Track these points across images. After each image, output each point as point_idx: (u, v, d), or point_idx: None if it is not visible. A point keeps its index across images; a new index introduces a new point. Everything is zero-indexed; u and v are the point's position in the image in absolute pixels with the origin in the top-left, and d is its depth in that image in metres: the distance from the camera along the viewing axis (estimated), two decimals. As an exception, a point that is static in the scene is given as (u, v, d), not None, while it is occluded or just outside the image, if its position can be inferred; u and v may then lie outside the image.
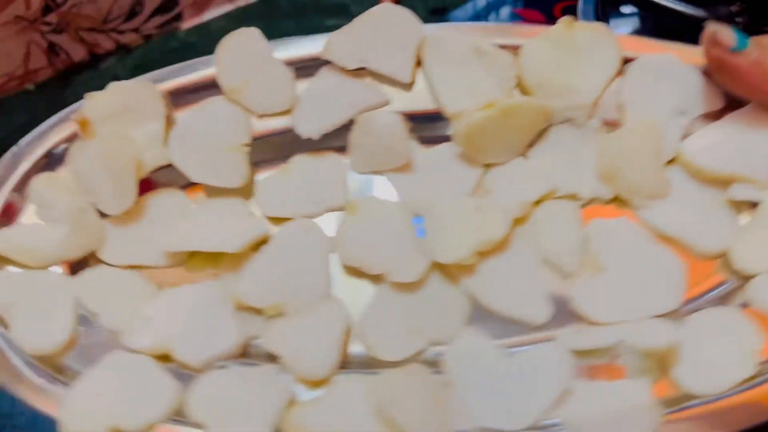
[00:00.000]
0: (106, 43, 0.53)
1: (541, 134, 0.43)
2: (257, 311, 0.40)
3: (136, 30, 0.54)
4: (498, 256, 0.40)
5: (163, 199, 0.43)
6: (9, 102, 0.52)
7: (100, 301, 0.40)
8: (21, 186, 0.42)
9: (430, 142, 0.44)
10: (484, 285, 0.40)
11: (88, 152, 0.42)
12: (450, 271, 0.40)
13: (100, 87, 0.43)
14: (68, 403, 0.35)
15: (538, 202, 0.42)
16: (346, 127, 0.44)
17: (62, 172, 0.43)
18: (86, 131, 0.43)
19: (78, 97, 0.43)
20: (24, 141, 0.43)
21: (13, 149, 0.43)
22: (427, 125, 0.44)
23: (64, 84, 0.53)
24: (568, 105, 0.42)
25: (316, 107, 0.44)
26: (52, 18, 0.50)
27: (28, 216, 0.42)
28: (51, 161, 0.43)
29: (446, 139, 0.44)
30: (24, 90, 0.53)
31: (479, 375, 0.36)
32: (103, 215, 0.42)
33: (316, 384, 0.37)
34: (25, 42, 0.50)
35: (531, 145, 0.43)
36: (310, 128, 0.44)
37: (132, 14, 0.53)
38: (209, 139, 0.43)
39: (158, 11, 0.54)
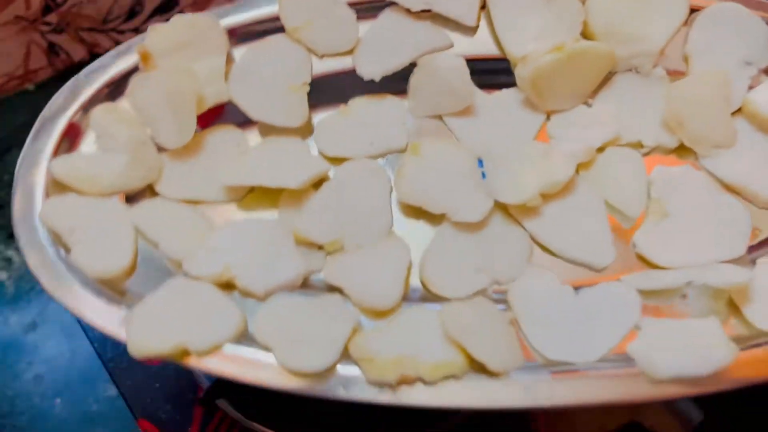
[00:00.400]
0: (106, 43, 0.53)
1: (604, 82, 0.43)
2: (318, 247, 0.39)
3: (136, 30, 0.53)
4: (561, 199, 0.40)
5: (221, 136, 0.43)
6: (9, 102, 0.52)
7: (160, 230, 0.40)
8: (82, 114, 0.42)
9: (491, 88, 0.44)
10: (548, 227, 0.39)
11: (149, 84, 0.42)
12: (512, 213, 0.40)
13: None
14: (134, 322, 0.35)
15: (601, 149, 0.41)
16: (406, 70, 0.43)
17: (123, 103, 0.43)
18: (147, 63, 0.43)
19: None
20: (85, 71, 0.43)
21: (73, 80, 0.43)
22: (489, 71, 0.44)
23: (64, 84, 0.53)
24: (634, 52, 0.42)
25: (378, 48, 0.44)
26: (52, 18, 0.50)
27: (88, 144, 0.42)
28: (112, 91, 0.43)
29: (508, 86, 0.43)
30: (24, 90, 0.52)
31: (545, 311, 0.36)
32: (161, 149, 0.42)
33: (381, 315, 0.36)
34: (25, 42, 0.50)
35: (595, 92, 0.43)
36: (371, 70, 0.43)
37: (132, 14, 0.53)
38: (270, 78, 0.43)
39: (158, 11, 0.54)
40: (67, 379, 0.53)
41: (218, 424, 0.51)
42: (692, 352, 0.32)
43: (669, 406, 0.53)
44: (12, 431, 0.48)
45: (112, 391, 0.52)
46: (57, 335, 0.56)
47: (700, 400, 0.52)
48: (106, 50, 0.50)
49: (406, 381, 0.33)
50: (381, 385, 0.33)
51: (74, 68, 0.53)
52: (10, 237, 0.59)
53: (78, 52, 0.51)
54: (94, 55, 0.53)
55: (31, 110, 0.42)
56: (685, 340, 0.33)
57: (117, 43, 0.54)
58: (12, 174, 0.41)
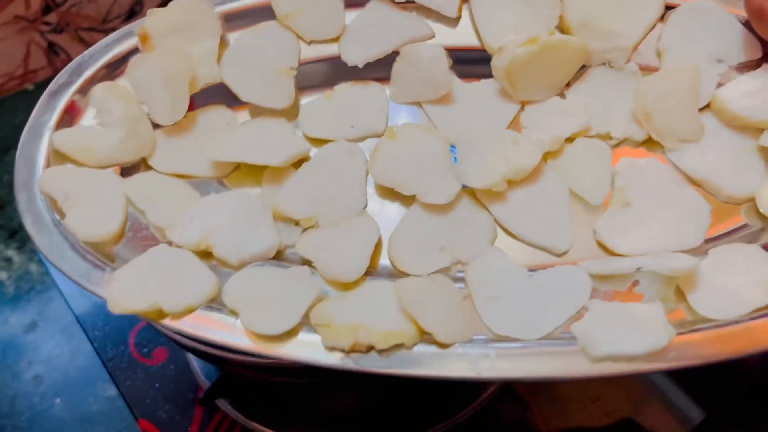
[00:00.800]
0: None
1: (578, 75, 0.44)
2: (294, 222, 0.42)
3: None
4: (528, 186, 0.41)
5: (212, 115, 0.46)
6: (9, 102, 0.51)
7: (147, 200, 0.42)
8: (84, 90, 0.45)
9: (470, 78, 0.46)
10: (512, 212, 0.41)
11: (146, 64, 0.45)
12: (479, 197, 0.41)
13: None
14: (115, 282, 0.38)
15: (571, 139, 0.43)
16: (390, 58, 0.45)
17: (122, 82, 0.46)
18: (146, 44, 0.45)
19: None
20: (89, 51, 0.46)
21: (79, 58, 0.46)
22: (469, 62, 0.46)
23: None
24: (608, 47, 0.43)
25: (362, 36, 0.46)
26: (51, 18, 0.50)
27: (88, 119, 0.45)
28: (113, 70, 0.46)
29: (486, 77, 0.45)
30: (24, 90, 0.53)
31: (497, 288, 0.38)
32: (155, 126, 0.45)
33: (345, 287, 0.39)
34: (25, 42, 0.50)
35: (568, 85, 0.44)
36: (355, 56, 0.46)
37: (132, 14, 0.54)
38: (260, 61, 0.46)
39: None
40: (67, 379, 0.54)
41: (218, 424, 0.53)
42: (631, 333, 0.34)
43: (669, 404, 0.55)
44: (12, 431, 0.49)
45: (112, 391, 0.53)
46: (57, 335, 0.57)
47: (701, 399, 0.53)
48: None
49: (358, 347, 0.35)
50: (335, 349, 0.35)
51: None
52: (10, 237, 0.61)
53: (78, 52, 0.50)
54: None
55: (31, 110, 0.44)
56: (626, 321, 0.35)
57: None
58: (12, 174, 0.42)
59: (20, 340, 0.56)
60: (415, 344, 0.35)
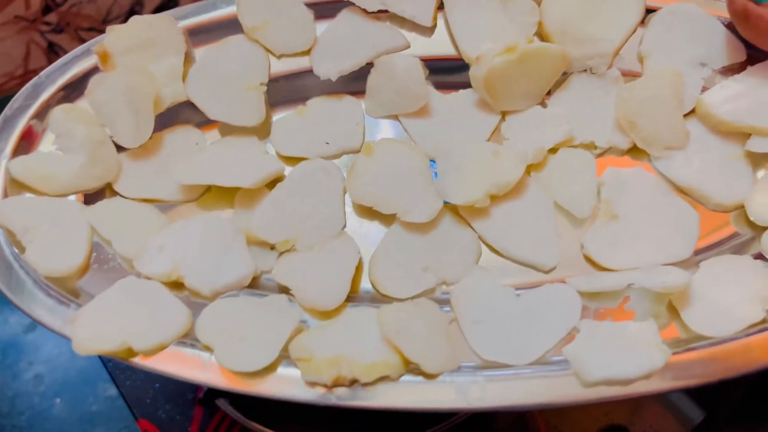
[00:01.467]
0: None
1: (559, 83, 0.43)
2: (269, 246, 0.40)
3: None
4: (512, 201, 0.40)
5: (179, 136, 0.44)
6: (9, 102, 0.51)
7: (113, 229, 0.40)
8: (41, 114, 0.43)
9: (448, 89, 0.44)
10: (496, 229, 0.40)
11: (107, 84, 0.42)
12: (462, 214, 0.40)
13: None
14: (80, 321, 0.36)
15: (554, 150, 0.41)
16: (364, 70, 0.44)
17: (82, 103, 0.43)
18: (106, 63, 0.43)
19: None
20: (45, 72, 0.44)
21: (35, 79, 0.44)
22: (446, 72, 0.44)
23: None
24: (588, 53, 0.42)
25: (334, 48, 0.44)
26: (51, 18, 0.50)
27: (47, 144, 0.43)
28: (72, 92, 0.44)
29: (464, 86, 0.43)
30: None
31: (484, 311, 0.36)
32: (119, 148, 0.42)
33: (325, 315, 0.37)
34: (24, 42, 0.50)
35: (549, 93, 0.43)
36: (327, 69, 0.44)
37: (132, 14, 0.53)
38: (228, 77, 0.44)
39: (158, 11, 0.53)
40: (67, 379, 0.53)
41: (218, 424, 0.52)
42: (625, 355, 0.33)
43: (669, 404, 0.54)
44: (12, 431, 0.49)
45: (112, 391, 0.52)
46: (57, 335, 0.56)
47: (701, 399, 0.53)
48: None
49: (341, 381, 0.33)
50: (316, 385, 0.33)
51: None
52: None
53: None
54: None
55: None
56: (619, 343, 0.33)
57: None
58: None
59: (20, 340, 0.55)
60: (400, 375, 0.34)
